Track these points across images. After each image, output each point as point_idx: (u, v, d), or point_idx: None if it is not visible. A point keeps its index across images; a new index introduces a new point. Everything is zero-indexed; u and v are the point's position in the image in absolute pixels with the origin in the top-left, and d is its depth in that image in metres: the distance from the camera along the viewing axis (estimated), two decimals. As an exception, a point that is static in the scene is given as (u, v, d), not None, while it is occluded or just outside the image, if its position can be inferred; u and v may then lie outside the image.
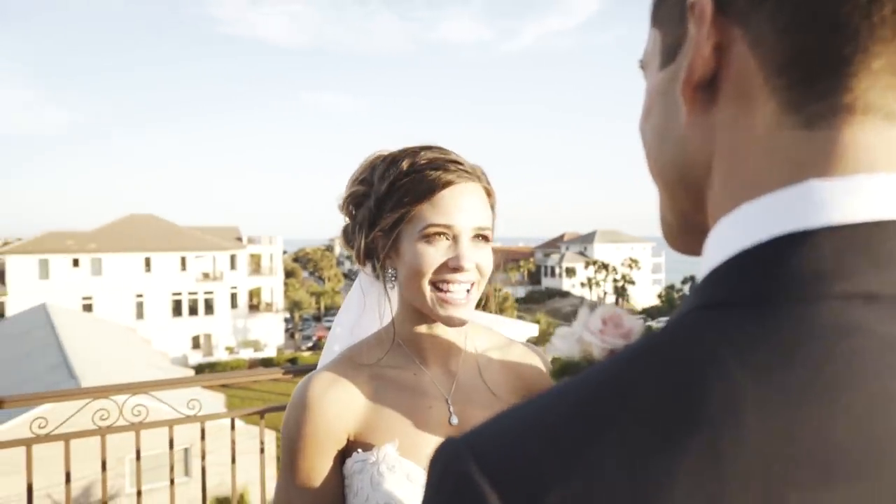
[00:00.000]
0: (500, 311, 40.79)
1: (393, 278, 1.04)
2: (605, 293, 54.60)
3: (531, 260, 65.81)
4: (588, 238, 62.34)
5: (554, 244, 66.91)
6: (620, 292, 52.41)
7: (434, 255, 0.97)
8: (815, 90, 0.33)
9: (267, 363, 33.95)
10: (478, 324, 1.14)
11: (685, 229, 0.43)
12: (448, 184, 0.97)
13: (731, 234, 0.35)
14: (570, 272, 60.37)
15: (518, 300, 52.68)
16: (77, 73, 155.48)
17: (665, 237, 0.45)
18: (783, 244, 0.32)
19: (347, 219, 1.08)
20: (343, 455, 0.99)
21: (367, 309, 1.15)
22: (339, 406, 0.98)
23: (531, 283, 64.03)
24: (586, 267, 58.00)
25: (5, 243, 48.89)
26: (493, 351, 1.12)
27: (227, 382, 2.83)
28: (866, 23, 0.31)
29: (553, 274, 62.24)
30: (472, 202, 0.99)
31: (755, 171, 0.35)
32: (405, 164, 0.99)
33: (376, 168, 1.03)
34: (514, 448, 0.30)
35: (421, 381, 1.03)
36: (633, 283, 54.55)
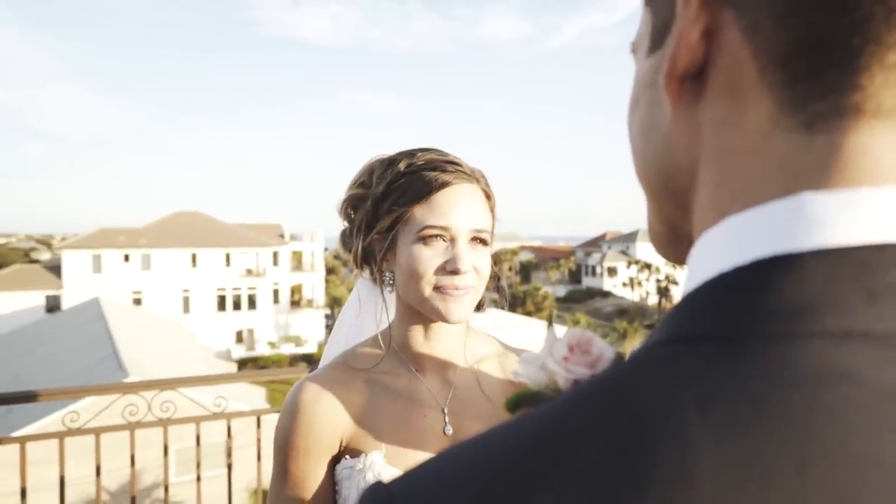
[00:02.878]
0: (539, 310, 40.46)
1: (391, 282, 1.01)
2: (648, 293, 53.53)
3: (572, 259, 65.06)
4: (630, 237, 61.25)
5: (595, 243, 66.03)
6: (663, 293, 51.26)
7: (431, 257, 0.94)
8: (818, 87, 0.28)
9: (308, 358, 34.49)
10: (477, 331, 1.11)
11: (673, 239, 0.38)
12: (445, 184, 0.95)
13: (712, 254, 0.30)
14: (612, 272, 59.44)
15: (558, 299, 52.14)
16: (127, 74, 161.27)
17: (654, 246, 0.41)
18: (765, 269, 0.28)
19: (345, 222, 1.06)
20: (335, 461, 0.97)
21: (363, 316, 1.13)
22: (331, 411, 0.96)
23: (571, 283, 63.32)
24: (628, 266, 57.01)
25: (62, 239, 51.12)
26: (491, 359, 1.09)
27: (257, 380, 2.86)
28: (881, 7, 0.26)
29: (594, 273, 61.39)
30: (469, 204, 0.96)
31: (744, 179, 0.30)
32: (402, 165, 0.97)
33: (374, 171, 1.01)
34: (439, 502, 0.27)
35: (416, 390, 1.01)
36: (676, 283, 53.32)
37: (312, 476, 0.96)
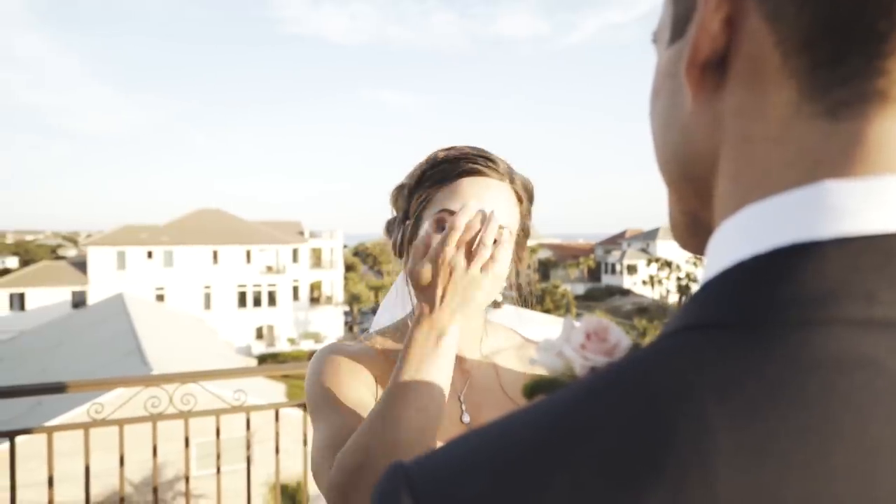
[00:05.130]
0: (558, 307, 40.27)
1: None
2: (668, 291, 52.96)
3: (591, 256, 64.65)
4: (651, 235, 60.67)
5: (615, 241, 65.50)
6: (684, 291, 50.64)
7: None
8: (841, 73, 0.27)
9: (327, 355, 34.61)
10: (496, 323, 1.12)
11: (694, 229, 0.38)
12: (470, 172, 0.95)
13: (732, 242, 0.30)
14: (632, 269, 58.97)
15: (577, 297, 51.83)
16: (150, 73, 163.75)
17: (674, 237, 0.41)
18: (784, 257, 0.27)
19: (394, 211, 1.08)
20: None
21: (397, 304, 1.14)
22: (358, 373, 0.97)
23: (591, 281, 62.92)
24: (648, 264, 56.45)
25: (88, 236, 52.16)
26: (509, 351, 1.10)
27: (275, 375, 2.90)
28: None
29: (614, 271, 60.95)
30: (492, 196, 0.95)
31: (766, 167, 0.30)
32: (440, 156, 0.98)
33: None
34: (456, 485, 0.27)
35: None
36: (696, 281, 52.45)
37: (360, 397, 0.94)
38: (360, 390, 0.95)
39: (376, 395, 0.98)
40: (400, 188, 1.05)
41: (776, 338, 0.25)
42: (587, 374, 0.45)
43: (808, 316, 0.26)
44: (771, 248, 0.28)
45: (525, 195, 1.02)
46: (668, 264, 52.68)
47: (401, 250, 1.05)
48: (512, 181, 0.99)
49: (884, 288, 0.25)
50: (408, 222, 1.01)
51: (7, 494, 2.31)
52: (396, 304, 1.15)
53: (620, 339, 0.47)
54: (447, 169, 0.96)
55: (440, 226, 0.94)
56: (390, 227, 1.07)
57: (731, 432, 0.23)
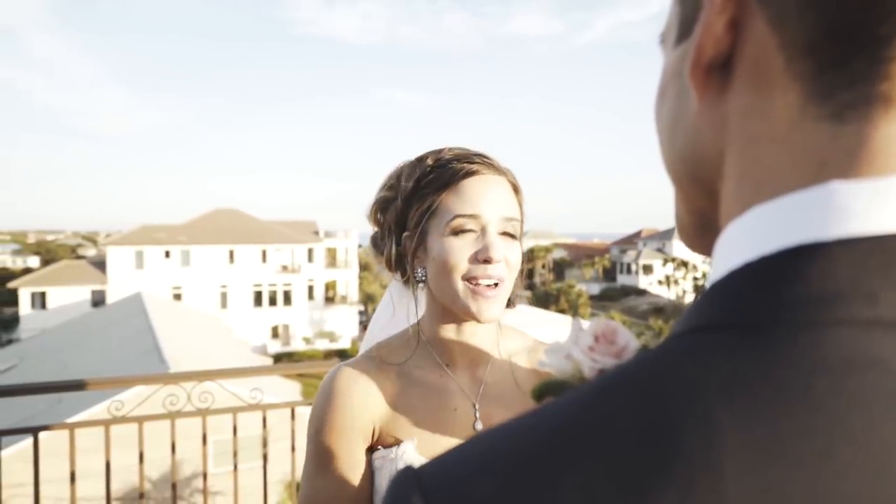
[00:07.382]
0: (573, 307, 40.02)
1: (423, 278, 1.01)
2: (685, 291, 52.46)
3: (607, 256, 64.21)
4: (667, 234, 60.11)
5: (631, 240, 65.00)
6: (700, 291, 49.66)
7: (462, 247, 0.94)
8: (845, 76, 0.28)
9: (342, 354, 34.79)
10: (508, 327, 1.11)
11: (701, 230, 0.38)
12: (472, 173, 0.96)
13: (738, 243, 0.30)
14: (648, 269, 58.49)
15: (592, 297, 51.51)
16: (167, 74, 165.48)
17: (681, 237, 0.41)
18: (791, 258, 0.27)
19: (375, 227, 1.07)
20: (369, 451, 0.98)
21: (397, 317, 1.12)
22: (367, 396, 0.97)
23: (606, 280, 62.51)
24: (664, 264, 55.95)
25: (107, 236, 52.83)
26: (522, 354, 1.09)
27: (291, 374, 2.92)
28: None
29: (629, 271, 60.49)
30: (498, 193, 0.97)
31: (771, 169, 0.30)
32: (430, 160, 0.99)
33: (402, 172, 1.02)
34: (466, 486, 0.27)
35: (447, 385, 1.01)
36: (714, 281, 51.61)
37: (349, 458, 0.95)
38: (353, 448, 0.95)
39: (385, 413, 0.97)
40: (385, 202, 1.03)
41: (784, 339, 0.26)
42: (596, 376, 0.45)
43: (816, 317, 0.26)
44: (778, 249, 0.28)
45: (518, 183, 1.04)
46: (685, 264, 52.14)
47: (399, 264, 1.03)
48: (505, 173, 1.01)
49: (890, 289, 0.25)
50: (405, 234, 1.00)
51: (31, 489, 2.36)
52: (396, 318, 1.13)
53: (629, 341, 0.47)
54: (445, 173, 0.96)
55: (455, 232, 0.94)
56: (377, 241, 1.06)
57: (740, 433, 0.23)
